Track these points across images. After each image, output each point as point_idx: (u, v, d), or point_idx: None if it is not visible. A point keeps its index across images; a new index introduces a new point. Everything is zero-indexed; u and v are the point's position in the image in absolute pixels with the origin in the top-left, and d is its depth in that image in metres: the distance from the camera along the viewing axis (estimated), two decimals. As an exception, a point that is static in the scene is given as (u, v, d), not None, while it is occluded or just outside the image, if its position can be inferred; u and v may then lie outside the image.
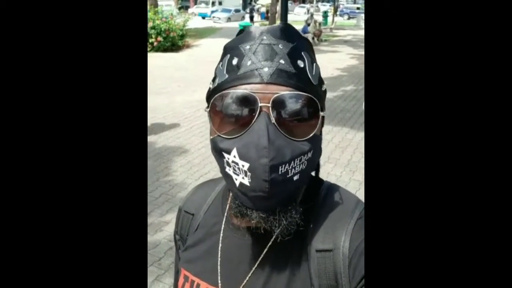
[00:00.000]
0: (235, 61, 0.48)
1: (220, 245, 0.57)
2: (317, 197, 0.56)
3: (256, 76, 0.45)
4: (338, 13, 29.32)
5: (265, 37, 0.47)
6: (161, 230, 2.75)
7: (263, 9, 25.89)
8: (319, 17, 19.29)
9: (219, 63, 0.51)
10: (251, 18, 22.47)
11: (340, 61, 10.08)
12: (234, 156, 0.46)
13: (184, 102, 6.02)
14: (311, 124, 0.48)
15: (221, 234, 0.57)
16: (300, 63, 0.47)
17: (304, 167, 0.48)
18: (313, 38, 13.75)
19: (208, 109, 0.50)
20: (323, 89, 0.52)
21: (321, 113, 0.48)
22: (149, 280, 2.23)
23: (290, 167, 0.46)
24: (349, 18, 28.76)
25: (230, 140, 0.46)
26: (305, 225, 0.51)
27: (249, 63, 0.46)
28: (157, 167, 3.83)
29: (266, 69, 0.45)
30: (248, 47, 0.47)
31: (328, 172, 3.80)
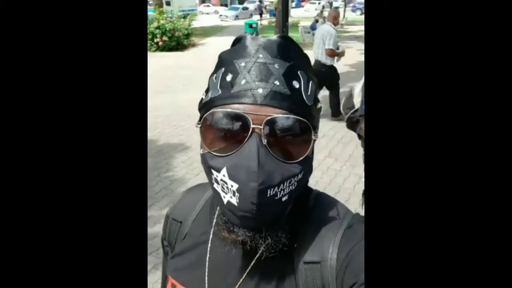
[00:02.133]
0: (229, 78, 0.47)
1: (208, 255, 0.57)
2: (305, 207, 0.56)
3: (250, 96, 0.45)
4: (350, 8, 28.99)
5: (261, 55, 0.46)
6: (160, 222, 2.80)
7: (271, 7, 25.82)
8: (329, 13, 19.04)
9: (213, 74, 0.50)
10: (260, 14, 22.45)
11: (350, 57, 9.95)
12: (224, 175, 0.46)
13: (187, 100, 6.05)
14: (302, 147, 0.48)
15: (209, 245, 0.57)
16: (296, 84, 0.47)
17: (293, 188, 0.48)
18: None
19: (200, 124, 0.50)
20: (318, 107, 0.52)
21: (313, 137, 0.48)
22: (148, 267, 2.34)
23: (279, 190, 0.46)
24: (361, 13, 28.37)
25: (221, 159, 0.46)
26: (293, 237, 0.51)
27: (243, 82, 0.46)
28: (158, 163, 3.89)
29: (260, 90, 0.45)
30: (243, 64, 0.47)
31: (328, 166, 3.77)
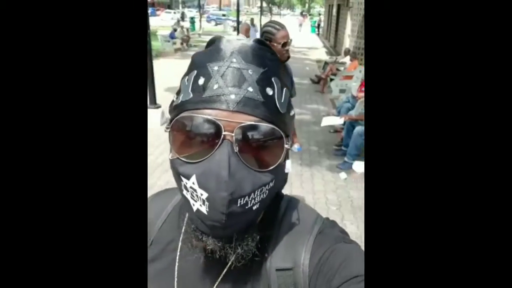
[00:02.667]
0: (201, 81, 0.45)
1: (176, 264, 0.55)
2: (277, 214, 0.56)
3: (222, 102, 0.43)
4: (205, 19, 30.16)
5: (235, 60, 0.45)
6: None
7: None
8: (186, 23, 19.49)
9: (185, 77, 0.48)
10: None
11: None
12: (193, 183, 0.44)
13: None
14: (275, 155, 0.47)
15: (178, 253, 0.55)
16: (269, 91, 0.46)
17: (265, 196, 0.47)
18: (181, 44, 13.90)
19: (169, 128, 0.48)
20: (291, 114, 0.51)
21: (286, 145, 0.48)
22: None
23: (250, 198, 0.45)
24: (216, 24, 29.93)
25: (190, 165, 0.45)
26: (265, 244, 0.51)
27: (215, 86, 0.44)
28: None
29: (233, 96, 0.43)
30: (216, 68, 0.45)
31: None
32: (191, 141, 0.46)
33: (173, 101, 0.50)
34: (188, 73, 0.48)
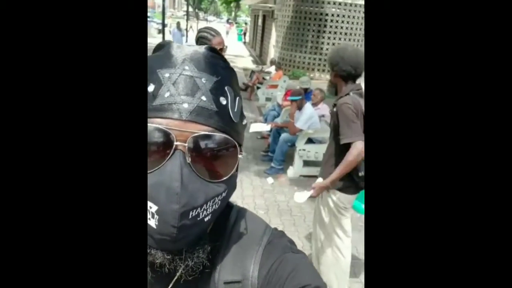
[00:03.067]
0: (151, 88, 0.43)
1: None
2: (227, 224, 0.54)
3: (174, 111, 0.42)
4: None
5: (187, 67, 0.44)
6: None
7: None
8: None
9: None
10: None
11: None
12: None
13: None
14: (228, 165, 0.46)
15: None
16: (223, 100, 0.45)
17: (216, 207, 0.46)
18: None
19: None
20: (243, 123, 0.51)
21: (239, 155, 0.47)
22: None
23: (202, 210, 0.44)
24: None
25: None
26: (213, 256, 0.50)
27: (167, 94, 0.42)
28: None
29: (185, 105, 0.42)
30: (167, 75, 0.43)
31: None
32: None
33: None
34: None
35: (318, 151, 4.11)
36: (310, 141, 4.20)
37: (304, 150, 4.13)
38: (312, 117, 4.19)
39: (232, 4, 45.07)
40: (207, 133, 0.43)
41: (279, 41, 11.28)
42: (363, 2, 11.33)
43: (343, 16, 11.01)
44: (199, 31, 2.15)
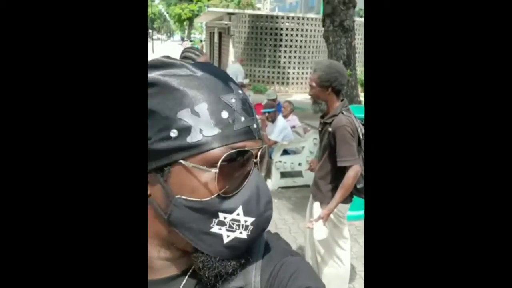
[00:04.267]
0: (225, 115, 0.45)
1: None
2: None
3: (249, 132, 0.46)
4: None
5: (239, 91, 0.49)
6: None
7: None
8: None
9: (184, 109, 0.44)
10: None
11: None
12: (237, 214, 0.45)
13: None
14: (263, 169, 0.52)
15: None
16: (254, 113, 0.50)
17: None
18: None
19: (217, 169, 0.44)
20: None
21: None
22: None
23: None
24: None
25: (233, 198, 0.45)
26: None
27: (242, 119, 0.46)
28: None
29: (255, 125, 0.48)
30: (233, 100, 0.46)
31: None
32: (231, 174, 0.45)
33: (171, 137, 0.44)
34: (186, 106, 0.44)
35: (293, 162, 4.20)
36: (285, 152, 4.28)
37: (280, 162, 4.20)
38: (285, 128, 4.28)
39: (185, 23, 45.00)
40: (264, 145, 0.50)
41: (237, 57, 11.45)
42: (315, 16, 11.89)
43: (297, 29, 11.46)
44: (184, 51, 2.15)
